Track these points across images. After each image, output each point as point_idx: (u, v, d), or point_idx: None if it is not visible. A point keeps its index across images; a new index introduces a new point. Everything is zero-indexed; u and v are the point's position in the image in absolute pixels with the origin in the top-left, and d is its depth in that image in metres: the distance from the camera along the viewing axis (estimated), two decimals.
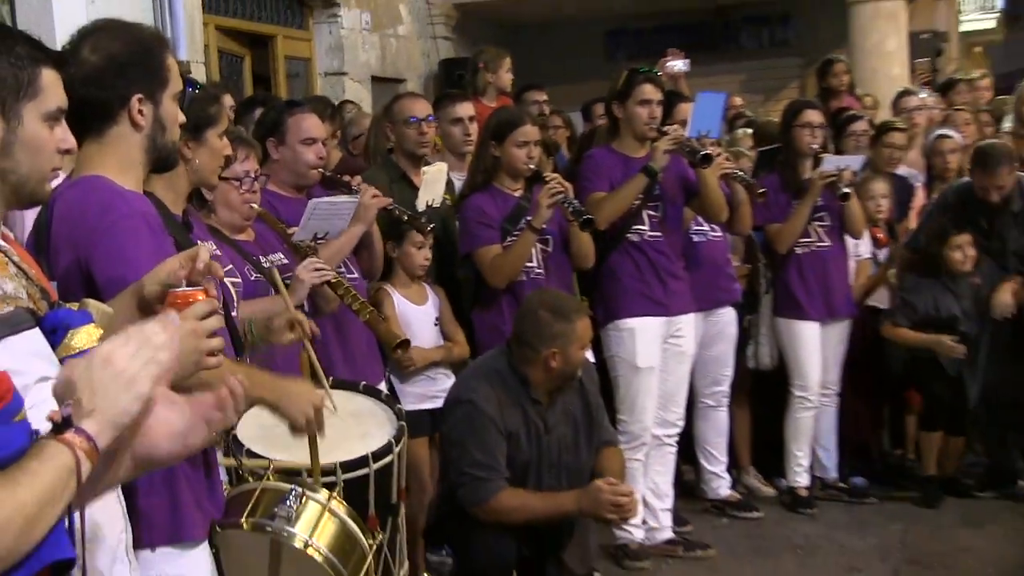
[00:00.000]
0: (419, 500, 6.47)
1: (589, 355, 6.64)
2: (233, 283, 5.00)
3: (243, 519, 4.22)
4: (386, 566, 4.95)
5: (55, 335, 2.51)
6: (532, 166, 7.06)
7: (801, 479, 8.63)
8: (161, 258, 3.19)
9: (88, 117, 3.02)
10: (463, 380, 6.07)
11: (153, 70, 3.55)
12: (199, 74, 10.66)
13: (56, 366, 2.43)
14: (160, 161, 3.71)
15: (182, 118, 3.71)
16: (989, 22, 31.42)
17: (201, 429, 2.31)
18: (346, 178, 6.45)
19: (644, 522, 7.52)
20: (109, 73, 3.32)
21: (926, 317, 8.27)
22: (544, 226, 6.91)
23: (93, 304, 2.80)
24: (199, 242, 3.99)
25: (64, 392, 2.07)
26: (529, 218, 6.88)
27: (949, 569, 7.18)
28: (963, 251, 8.24)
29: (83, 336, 2.54)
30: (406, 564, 5.43)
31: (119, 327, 2.46)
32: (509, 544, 5.68)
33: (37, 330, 2.47)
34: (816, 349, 8.52)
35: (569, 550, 5.82)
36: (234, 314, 4.68)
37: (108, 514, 2.69)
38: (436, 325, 6.99)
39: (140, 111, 3.50)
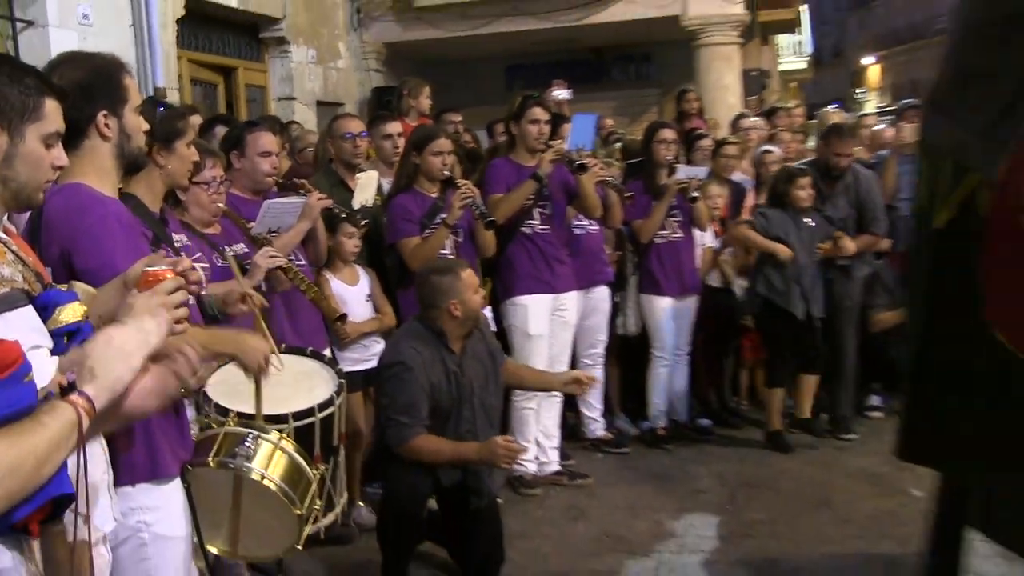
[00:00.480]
0: (356, 443, 6.43)
1: (493, 325, 6.72)
2: (202, 267, 4.95)
3: (209, 458, 4.21)
4: (329, 495, 4.90)
5: (46, 311, 2.55)
6: (446, 172, 7.10)
7: (660, 421, 8.68)
8: (132, 250, 3.32)
9: (65, 134, 2.96)
10: (392, 344, 6.03)
11: (113, 90, 3.54)
12: (173, 97, 10.62)
13: (46, 337, 2.50)
14: (131, 164, 3.72)
15: (146, 126, 3.70)
16: (801, 63, 31.99)
17: (166, 388, 2.43)
18: (297, 182, 6.45)
19: (536, 458, 7.53)
20: (76, 97, 3.23)
21: (775, 239, 8.35)
22: (456, 223, 6.96)
23: (79, 286, 2.90)
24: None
25: (71, 364, 2.24)
26: (444, 216, 6.91)
27: (771, 489, 7.25)
28: (805, 190, 8.37)
29: (69, 312, 2.59)
30: (345, 494, 5.40)
31: (102, 307, 2.82)
32: (425, 478, 5.65)
33: (30, 307, 2.49)
34: (671, 319, 8.56)
35: (478, 477, 5.79)
36: (203, 293, 4.65)
37: (93, 457, 2.60)
38: (368, 301, 6.94)
39: (106, 125, 3.50)
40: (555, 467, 7.73)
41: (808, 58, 34.08)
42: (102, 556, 2.97)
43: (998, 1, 4.15)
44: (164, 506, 3.61)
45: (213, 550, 4.39)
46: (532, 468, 7.52)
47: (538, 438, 7.56)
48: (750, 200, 9.38)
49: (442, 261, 6.47)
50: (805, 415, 8.74)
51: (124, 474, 3.38)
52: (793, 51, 30.47)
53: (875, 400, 9.24)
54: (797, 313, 8.28)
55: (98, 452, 2.89)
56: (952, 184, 3.99)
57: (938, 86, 4.34)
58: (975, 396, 4.12)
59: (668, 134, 8.73)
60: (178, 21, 11.65)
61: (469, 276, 5.88)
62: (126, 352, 2.29)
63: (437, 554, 6.12)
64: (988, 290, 3.76)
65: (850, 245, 8.41)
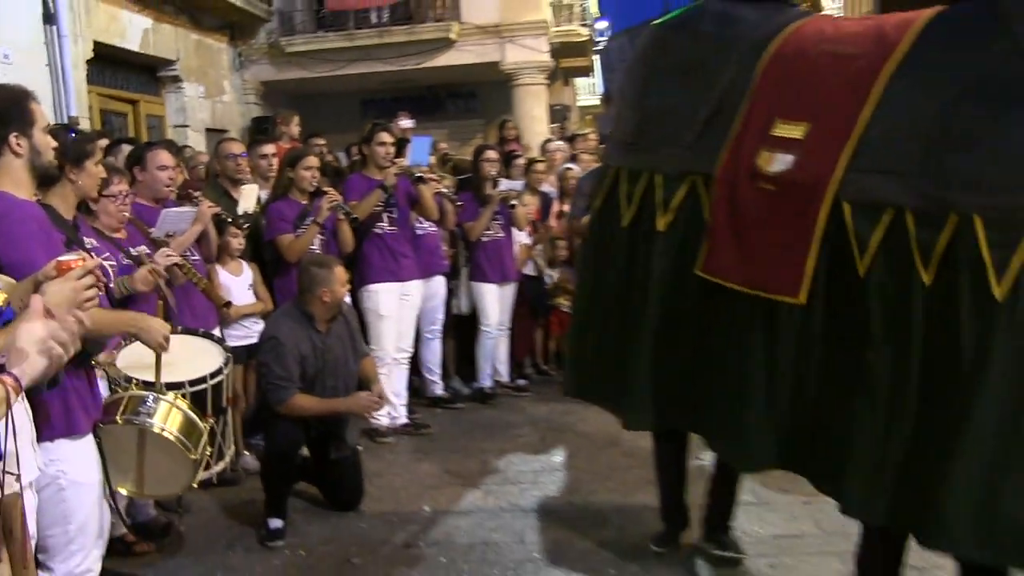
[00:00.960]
0: (239, 405, 6.31)
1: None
2: (110, 265, 5.01)
3: (117, 416, 4.16)
4: (219, 447, 4.82)
5: None
6: (314, 184, 7.09)
7: (487, 382, 8.67)
8: (48, 248, 3.28)
9: None
10: (270, 323, 5.99)
11: (22, 114, 3.46)
12: (84, 124, 10.39)
13: None
14: (43, 177, 3.67)
15: (54, 144, 3.63)
16: (595, 100, 32.18)
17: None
18: (191, 194, 6.37)
19: (388, 413, 7.44)
20: None
21: None
22: (323, 223, 6.96)
23: (1, 277, 2.93)
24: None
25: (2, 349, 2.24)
26: (313, 217, 6.91)
27: (572, 432, 7.33)
28: None
29: None
30: (233, 446, 5.29)
31: (22, 295, 2.73)
32: (299, 430, 5.60)
33: None
34: (495, 301, 8.55)
35: (342, 429, 5.76)
36: (111, 285, 4.72)
37: (19, 418, 2.52)
38: (250, 289, 6.81)
39: (18, 144, 3.43)
40: (404, 420, 7.68)
41: (600, 96, 34.40)
42: (28, 500, 2.99)
43: (671, 54, 4.36)
44: (78, 457, 3.59)
45: (123, 492, 4.37)
46: (385, 421, 7.44)
47: (390, 397, 7.48)
48: (555, 207, 9.45)
49: (321, 256, 6.37)
50: None
51: (44, 432, 3.35)
52: (588, 91, 30.68)
53: None
54: None
55: (22, 414, 2.84)
56: (665, 193, 4.19)
57: (627, 130, 4.52)
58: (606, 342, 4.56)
59: (492, 154, 8.76)
60: (88, 62, 11.52)
61: (341, 272, 5.84)
62: (45, 343, 2.21)
63: (309, 491, 6.05)
64: (709, 248, 4.00)
65: None
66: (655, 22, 4.68)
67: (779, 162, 3.71)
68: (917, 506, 3.20)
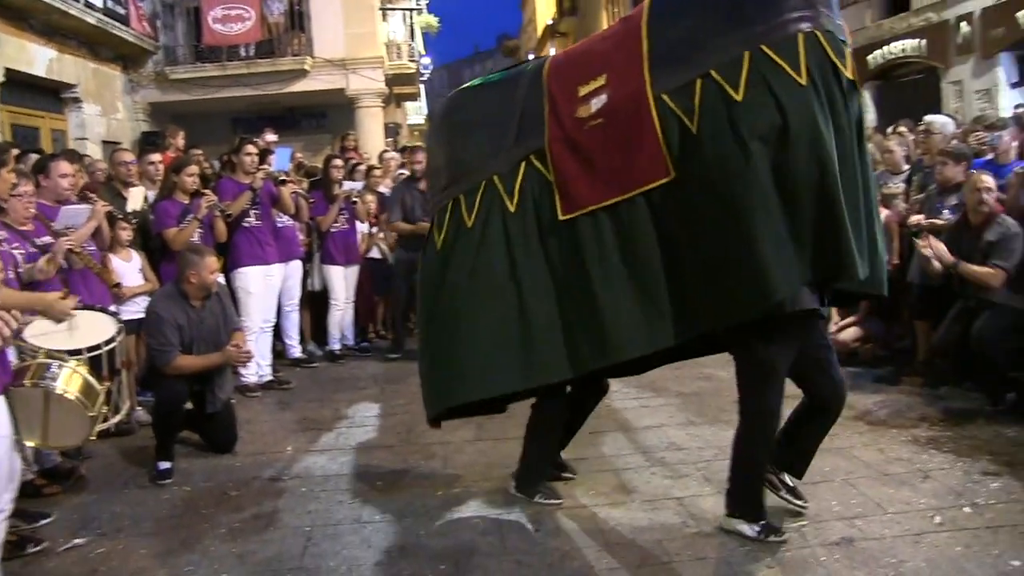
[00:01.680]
0: (132, 368, 5.98)
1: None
2: (19, 253, 4.85)
3: (25, 380, 4.02)
4: (115, 403, 4.66)
5: None
6: (195, 186, 6.87)
7: (336, 345, 8.54)
8: None
9: None
10: (153, 300, 5.69)
11: None
12: None
13: None
14: None
15: None
16: (421, 119, 32.14)
17: None
18: (89, 195, 6.12)
19: (256, 371, 7.27)
20: None
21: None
22: (202, 219, 6.73)
23: None
24: None
25: None
26: (193, 214, 6.69)
27: (406, 384, 7.14)
28: None
29: None
30: (127, 402, 5.08)
31: None
32: (182, 385, 5.39)
33: None
34: (342, 280, 8.44)
35: (218, 386, 5.58)
36: (20, 270, 4.64)
37: None
38: (139, 272, 6.54)
39: None
40: (269, 377, 7.47)
41: (425, 116, 34.36)
42: None
43: (470, 109, 4.38)
44: None
45: (31, 444, 4.18)
46: (253, 379, 7.26)
47: (257, 358, 7.31)
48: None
49: (196, 245, 6.07)
50: None
51: None
52: (416, 112, 30.59)
53: None
54: None
55: None
56: (507, 185, 4.06)
57: (446, 176, 4.35)
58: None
59: (338, 162, 8.68)
60: (1, 85, 11.11)
61: (211, 261, 5.62)
62: None
63: (192, 438, 5.82)
64: (563, 195, 3.89)
65: None
66: (454, 91, 4.64)
67: (597, 103, 3.84)
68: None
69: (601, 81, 3.86)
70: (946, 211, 6.44)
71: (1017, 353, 5.64)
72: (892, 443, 5.21)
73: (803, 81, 3.35)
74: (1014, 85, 10.72)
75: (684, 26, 3.67)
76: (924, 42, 11.66)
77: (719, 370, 7.19)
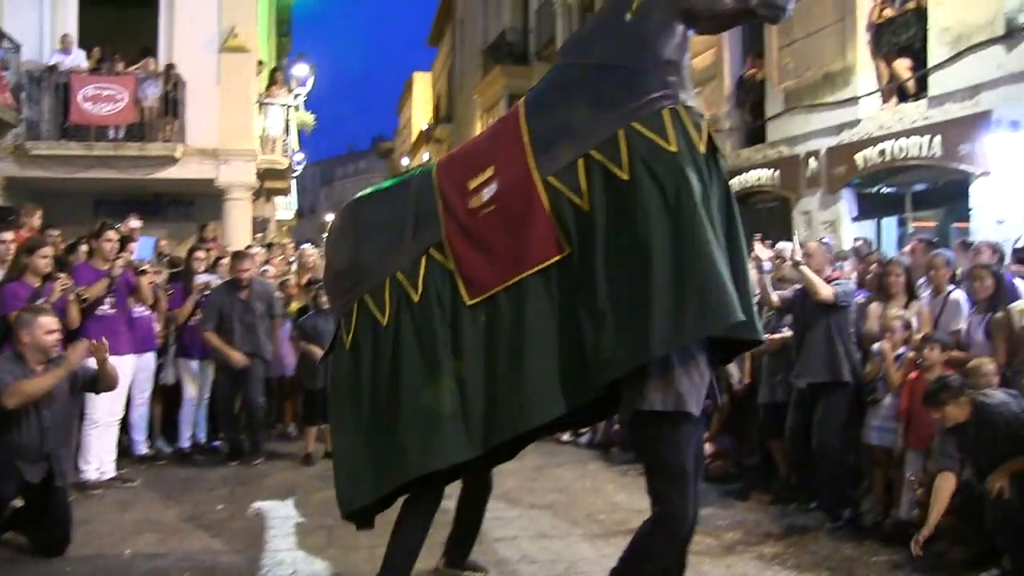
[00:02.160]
0: None
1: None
2: None
3: None
4: None
5: None
6: (48, 269, 6.61)
7: (186, 443, 8.27)
8: None
9: None
10: None
11: None
12: None
13: None
14: None
15: None
16: (290, 215, 31.89)
17: None
18: None
19: (98, 468, 6.92)
20: None
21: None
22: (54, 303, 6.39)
23: None
24: None
25: None
26: (45, 297, 6.37)
27: (258, 486, 7.08)
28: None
29: None
30: None
31: None
32: (10, 482, 5.16)
33: None
34: (196, 374, 8.30)
35: (64, 459, 5.45)
36: None
37: None
38: None
39: None
40: (111, 474, 7.07)
41: (294, 211, 34.10)
42: None
43: (366, 215, 4.58)
44: None
45: None
46: (94, 475, 6.87)
47: (100, 454, 6.94)
48: None
49: (33, 305, 5.86)
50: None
51: None
52: (285, 207, 30.32)
53: None
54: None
55: None
56: (410, 278, 4.22)
57: (350, 278, 4.46)
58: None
59: (200, 254, 8.61)
60: None
61: (45, 321, 5.46)
62: None
63: (17, 540, 5.43)
64: (466, 281, 4.10)
65: None
66: (350, 200, 4.87)
67: (487, 192, 4.12)
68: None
69: (489, 172, 4.15)
70: (785, 328, 6.89)
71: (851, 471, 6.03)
72: (739, 559, 5.34)
73: (673, 148, 3.77)
74: (855, 219, 11.51)
75: (559, 115, 4.07)
76: (778, 173, 12.42)
77: (574, 482, 7.24)
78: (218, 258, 9.27)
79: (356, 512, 4.35)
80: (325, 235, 5.71)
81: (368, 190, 4.86)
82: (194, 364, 8.25)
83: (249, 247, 11.10)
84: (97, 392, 6.04)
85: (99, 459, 6.94)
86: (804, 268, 6.32)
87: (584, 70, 4.17)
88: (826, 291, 6.24)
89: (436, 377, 4.09)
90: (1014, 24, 8.72)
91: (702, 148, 3.87)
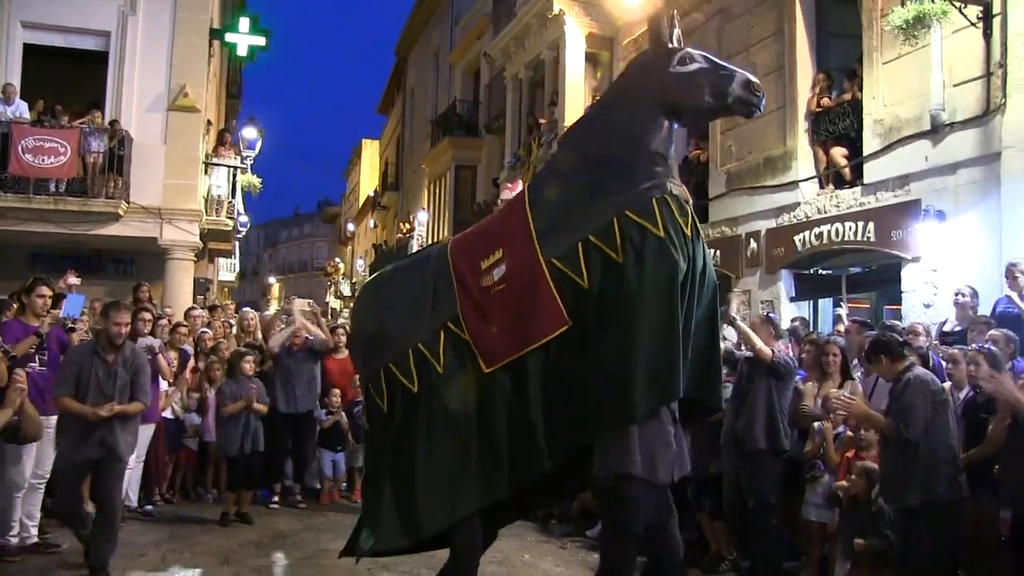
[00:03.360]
0: None
1: None
2: None
3: None
4: None
5: None
6: None
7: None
8: None
9: None
10: None
11: None
12: None
13: None
14: None
15: None
16: (232, 276, 31.58)
17: None
18: None
19: (19, 533, 6.68)
20: None
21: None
22: None
23: None
24: None
25: None
26: None
27: (191, 552, 6.81)
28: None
29: None
30: None
31: None
32: None
33: None
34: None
35: None
36: None
37: None
38: None
39: None
40: (34, 539, 6.82)
41: (237, 273, 33.81)
42: None
43: (380, 292, 5.33)
44: None
45: None
46: (15, 540, 6.61)
47: (23, 519, 6.70)
48: (191, 363, 9.11)
49: None
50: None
51: None
52: (228, 268, 30.04)
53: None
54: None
55: None
56: (431, 349, 4.81)
57: (379, 345, 5.08)
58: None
59: (146, 315, 8.24)
60: None
61: None
62: None
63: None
64: (481, 352, 4.66)
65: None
66: (374, 276, 5.82)
67: (497, 272, 4.70)
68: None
69: (499, 255, 4.74)
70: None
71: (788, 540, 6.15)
72: None
73: (660, 234, 4.34)
74: (792, 299, 11.78)
75: (560, 203, 4.70)
76: (719, 252, 12.71)
77: (513, 553, 7.17)
78: (157, 318, 9.12)
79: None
80: (350, 305, 6.50)
81: (390, 266, 5.60)
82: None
83: (191, 309, 10.98)
84: (19, 443, 5.82)
85: (22, 522, 6.69)
86: (740, 324, 6.47)
87: (584, 160, 4.75)
88: (764, 348, 6.36)
89: (463, 439, 4.64)
90: (938, 121, 9.14)
91: (688, 231, 4.45)
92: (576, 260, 4.45)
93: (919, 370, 5.40)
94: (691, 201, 4.74)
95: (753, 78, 4.65)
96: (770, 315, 9.06)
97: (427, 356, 4.76)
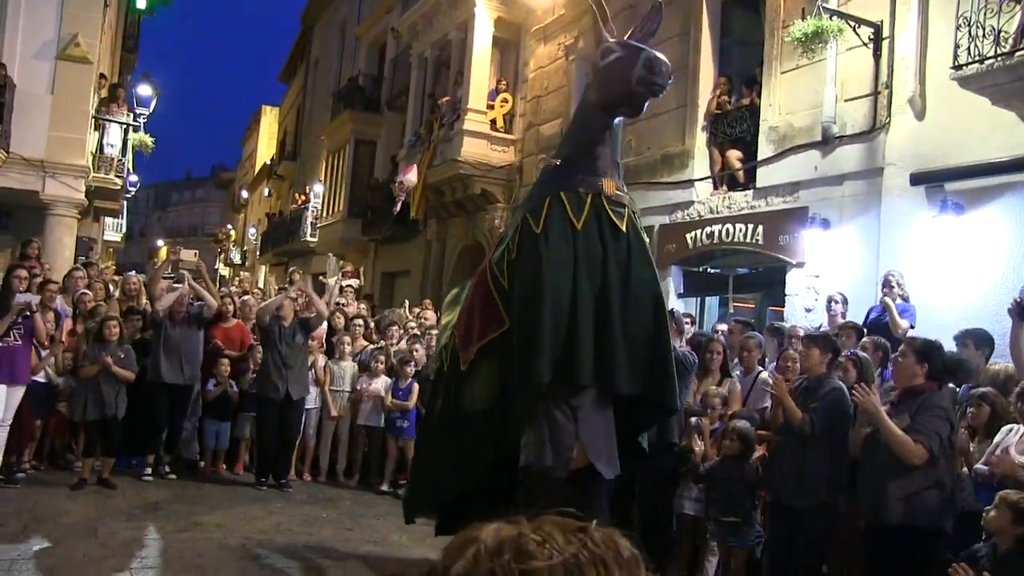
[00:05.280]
0: None
1: None
2: None
3: None
4: None
5: None
6: None
7: None
8: None
9: None
10: None
11: None
12: None
13: None
14: None
15: None
16: (118, 237, 30.47)
17: None
18: None
19: None
20: None
21: None
22: None
23: None
24: None
25: None
26: None
27: (55, 522, 6.58)
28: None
29: None
30: None
31: None
32: None
33: None
34: (1, 400, 7.52)
35: None
36: None
37: None
38: None
39: None
40: None
41: (123, 234, 32.62)
42: None
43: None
44: None
45: None
46: None
47: None
48: (67, 324, 8.72)
49: None
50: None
51: None
52: (114, 228, 28.93)
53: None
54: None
55: None
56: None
57: None
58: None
59: (21, 272, 8.00)
60: None
61: None
62: None
63: None
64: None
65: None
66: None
67: (471, 282, 5.67)
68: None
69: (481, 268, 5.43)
70: None
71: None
72: None
73: (579, 225, 4.62)
74: (680, 295, 12.07)
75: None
76: None
77: (390, 534, 7.15)
78: (43, 281, 8.71)
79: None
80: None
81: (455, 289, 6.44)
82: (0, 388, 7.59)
83: (74, 269, 10.51)
84: None
85: None
86: None
87: (552, 169, 5.12)
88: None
89: (452, 426, 5.26)
90: (829, 133, 9.48)
91: (623, 226, 4.77)
92: (513, 237, 4.95)
93: (837, 380, 5.58)
94: (625, 198, 5.01)
95: (657, 55, 4.66)
96: (674, 311, 9.25)
97: (440, 357, 5.75)
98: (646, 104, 4.96)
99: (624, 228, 4.78)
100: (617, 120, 5.03)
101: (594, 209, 4.67)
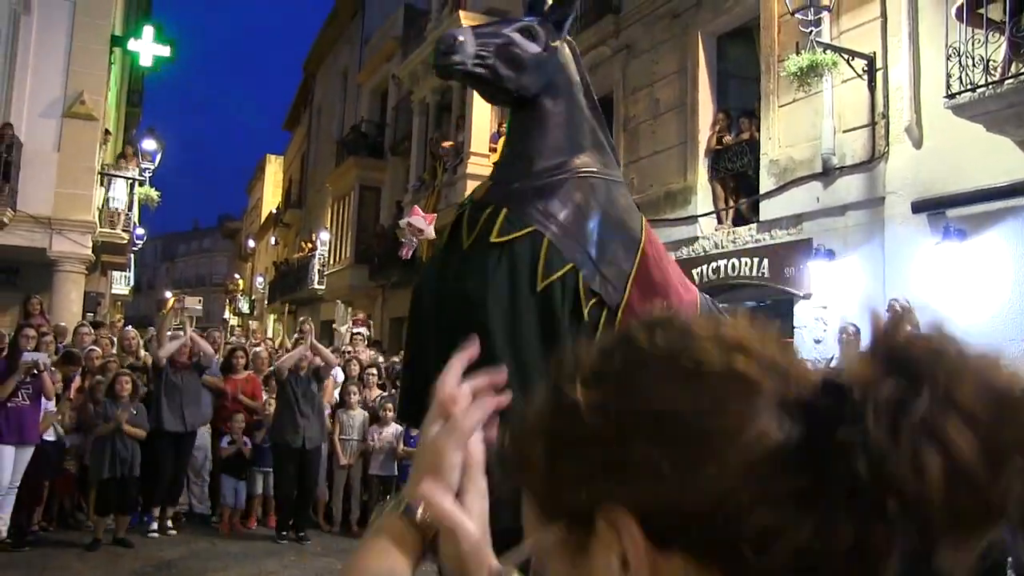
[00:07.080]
0: None
1: None
2: None
3: None
4: None
5: None
6: None
7: None
8: None
9: None
10: None
11: None
12: None
13: None
14: None
15: None
16: (126, 290, 30.65)
17: None
18: None
19: None
20: None
21: None
22: None
23: None
24: None
25: None
26: None
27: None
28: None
29: None
30: None
31: None
32: None
33: None
34: (10, 461, 7.56)
35: None
36: None
37: None
38: None
39: None
40: None
41: (130, 287, 32.81)
42: None
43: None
44: None
45: None
46: None
47: None
48: (76, 382, 8.80)
49: None
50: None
51: None
52: (122, 282, 29.12)
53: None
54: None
55: None
56: None
57: None
58: None
59: (29, 331, 8.06)
60: None
61: None
62: None
63: None
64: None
65: None
66: None
67: None
68: None
69: None
70: None
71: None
72: None
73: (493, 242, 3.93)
74: None
75: None
76: None
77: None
78: (44, 333, 8.77)
79: None
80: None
81: None
82: (8, 450, 7.58)
83: (80, 326, 10.60)
84: None
85: None
86: None
87: None
88: None
89: None
90: (829, 164, 9.57)
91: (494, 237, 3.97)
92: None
93: None
94: (486, 206, 4.10)
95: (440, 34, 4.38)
96: None
97: None
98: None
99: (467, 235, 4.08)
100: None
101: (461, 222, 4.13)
